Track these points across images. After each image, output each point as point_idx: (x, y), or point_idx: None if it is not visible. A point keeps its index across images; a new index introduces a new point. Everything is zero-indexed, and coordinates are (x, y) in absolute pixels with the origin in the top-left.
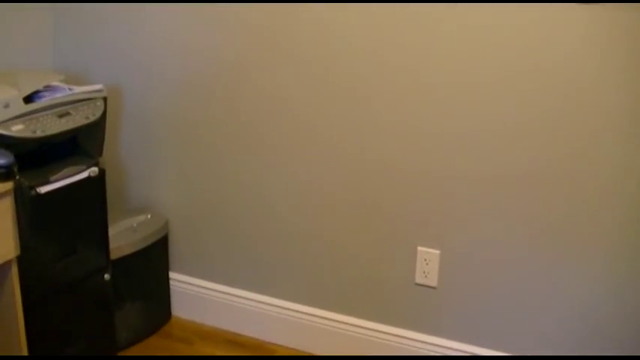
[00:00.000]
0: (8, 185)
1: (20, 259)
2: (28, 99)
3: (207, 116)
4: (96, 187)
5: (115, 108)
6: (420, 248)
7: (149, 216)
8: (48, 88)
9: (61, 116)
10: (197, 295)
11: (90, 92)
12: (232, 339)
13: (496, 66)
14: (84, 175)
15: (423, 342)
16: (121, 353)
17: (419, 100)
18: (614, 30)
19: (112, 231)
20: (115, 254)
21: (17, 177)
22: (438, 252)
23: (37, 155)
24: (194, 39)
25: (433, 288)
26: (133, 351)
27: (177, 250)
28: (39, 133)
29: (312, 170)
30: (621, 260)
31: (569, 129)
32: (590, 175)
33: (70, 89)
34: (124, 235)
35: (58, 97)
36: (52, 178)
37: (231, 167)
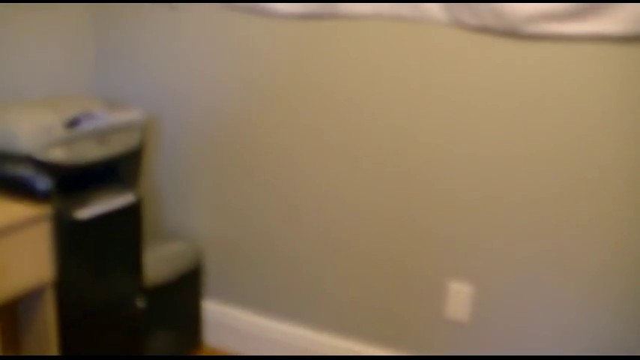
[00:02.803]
0: (47, 210)
1: (56, 283)
2: (69, 125)
3: (242, 146)
4: (132, 214)
5: (153, 136)
6: (451, 283)
7: (184, 244)
8: (88, 114)
9: (100, 143)
10: (230, 324)
11: (129, 120)
12: None
13: (532, 93)
14: (121, 202)
15: None
16: None
17: (453, 129)
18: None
19: (147, 258)
20: (149, 282)
21: (56, 202)
22: (469, 287)
23: (75, 181)
24: (230, 70)
25: (464, 323)
26: None
27: (210, 278)
28: (78, 159)
29: (347, 201)
30: None
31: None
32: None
33: (110, 116)
34: (158, 263)
35: (98, 123)
36: (90, 204)
37: (265, 197)
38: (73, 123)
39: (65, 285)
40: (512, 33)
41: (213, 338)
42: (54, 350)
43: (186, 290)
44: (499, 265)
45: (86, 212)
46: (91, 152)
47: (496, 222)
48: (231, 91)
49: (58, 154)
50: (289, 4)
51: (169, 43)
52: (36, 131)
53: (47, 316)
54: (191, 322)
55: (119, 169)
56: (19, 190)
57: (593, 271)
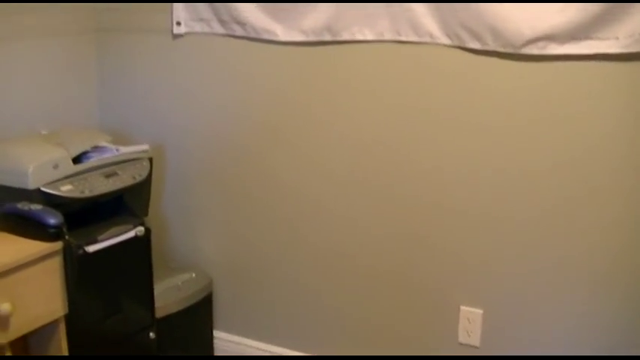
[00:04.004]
0: (58, 245)
1: (68, 317)
2: (77, 159)
3: (249, 175)
4: (142, 246)
5: (159, 167)
6: (462, 307)
7: (193, 274)
8: (95, 148)
9: (108, 176)
10: (241, 353)
11: (136, 152)
12: None
13: (534, 112)
14: (130, 234)
15: None
16: None
17: (459, 151)
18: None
19: (157, 289)
20: (160, 312)
21: (66, 237)
22: (481, 311)
23: (84, 214)
24: (232, 98)
25: (476, 347)
26: None
27: (221, 308)
28: (87, 193)
29: (356, 227)
30: None
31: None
32: None
33: (117, 149)
34: (168, 294)
35: (105, 157)
36: (100, 237)
37: (273, 224)
38: (81, 157)
39: (77, 318)
40: (512, 54)
41: None
42: None
43: (197, 320)
44: (507, 288)
45: (96, 245)
46: (99, 186)
47: (503, 243)
48: (234, 119)
49: (67, 189)
50: (290, 32)
51: (171, 73)
52: (45, 167)
53: (59, 349)
54: (203, 352)
55: (127, 202)
56: (30, 225)
57: (600, 287)
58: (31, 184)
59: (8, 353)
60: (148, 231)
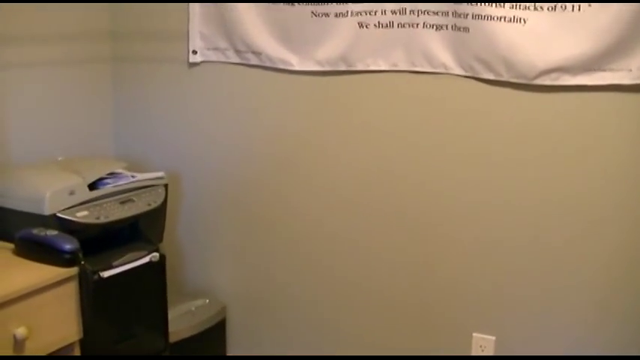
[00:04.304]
0: (73, 270)
1: (82, 342)
2: (93, 186)
3: (265, 200)
4: (156, 271)
5: (174, 194)
6: (475, 334)
7: (207, 300)
8: (111, 175)
9: (123, 203)
10: None
11: (152, 179)
12: None
13: (546, 142)
14: (145, 260)
15: None
16: None
17: (471, 180)
18: None
19: (171, 314)
20: (173, 337)
21: (82, 262)
22: (493, 338)
23: (99, 240)
24: (247, 129)
25: None
26: None
27: (234, 333)
28: (102, 220)
29: (370, 254)
30: None
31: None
32: None
33: (132, 176)
34: (182, 319)
35: (121, 184)
36: (115, 263)
37: (286, 251)
38: (97, 184)
39: (91, 342)
40: (525, 84)
41: None
42: None
43: (210, 345)
44: (520, 314)
45: (111, 271)
46: (115, 212)
47: (516, 271)
48: (247, 147)
49: (83, 215)
50: (306, 62)
51: (186, 101)
52: (62, 193)
53: None
54: None
55: (142, 228)
56: (46, 250)
57: (615, 315)
58: (47, 210)
59: None
60: (162, 257)
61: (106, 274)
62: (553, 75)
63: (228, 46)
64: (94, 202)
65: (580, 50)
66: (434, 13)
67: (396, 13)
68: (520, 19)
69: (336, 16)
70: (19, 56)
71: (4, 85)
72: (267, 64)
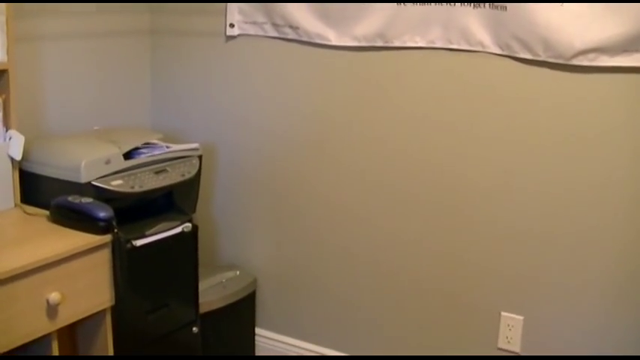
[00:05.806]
0: (107, 238)
1: (114, 310)
2: (128, 155)
3: (299, 176)
4: (188, 242)
5: (209, 165)
6: (503, 313)
7: (238, 272)
8: (146, 145)
9: (158, 173)
10: (282, 352)
11: (186, 150)
12: None
13: (585, 124)
14: (177, 230)
15: None
16: None
17: (503, 162)
18: None
19: (202, 286)
20: (203, 308)
21: (115, 230)
22: (521, 318)
23: (133, 210)
24: (283, 102)
25: (516, 354)
26: None
27: (264, 306)
28: (137, 189)
29: (399, 237)
30: None
31: None
32: None
33: (167, 147)
34: (213, 290)
35: (156, 154)
36: (148, 232)
37: (320, 231)
38: (132, 154)
39: (123, 310)
40: (562, 64)
41: None
42: None
43: (240, 317)
44: (548, 295)
45: (144, 240)
46: (149, 182)
47: (546, 252)
48: (284, 120)
49: (117, 184)
50: (343, 37)
51: (223, 74)
52: (97, 162)
53: (105, 342)
54: (245, 349)
55: (176, 198)
56: (80, 218)
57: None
58: (83, 178)
59: (55, 342)
60: (195, 228)
61: (138, 242)
62: (590, 55)
63: (266, 20)
64: (129, 172)
65: (620, 30)
66: None
67: None
68: None
69: None
70: (58, 28)
71: (43, 56)
72: (304, 38)
